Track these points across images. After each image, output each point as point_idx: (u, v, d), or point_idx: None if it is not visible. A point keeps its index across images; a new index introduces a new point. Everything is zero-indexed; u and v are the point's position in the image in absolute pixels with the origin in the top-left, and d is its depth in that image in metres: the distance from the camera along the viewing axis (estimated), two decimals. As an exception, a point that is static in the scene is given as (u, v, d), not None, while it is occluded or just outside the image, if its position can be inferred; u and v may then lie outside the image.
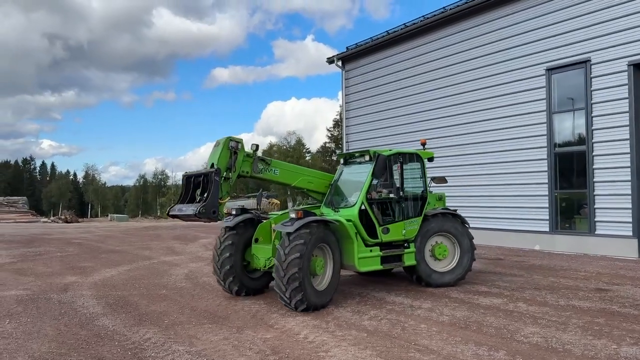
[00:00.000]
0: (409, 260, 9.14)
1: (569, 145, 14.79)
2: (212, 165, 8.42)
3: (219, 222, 8.56)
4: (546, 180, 14.90)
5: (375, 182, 8.88)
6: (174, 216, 8.78)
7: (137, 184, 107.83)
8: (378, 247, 8.78)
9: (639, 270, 11.17)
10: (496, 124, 16.25)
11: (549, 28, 14.88)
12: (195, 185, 8.80)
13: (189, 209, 8.35)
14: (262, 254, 8.69)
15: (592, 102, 13.88)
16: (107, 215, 73.94)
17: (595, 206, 13.79)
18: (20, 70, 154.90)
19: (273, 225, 8.68)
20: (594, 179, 13.83)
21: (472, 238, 9.86)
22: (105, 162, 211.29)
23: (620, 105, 13.31)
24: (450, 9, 17.56)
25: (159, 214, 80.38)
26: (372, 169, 8.85)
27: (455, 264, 9.57)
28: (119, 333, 6.86)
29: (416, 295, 8.85)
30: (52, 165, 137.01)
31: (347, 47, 22.26)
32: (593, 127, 13.87)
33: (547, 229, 14.87)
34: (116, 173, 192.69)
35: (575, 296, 8.64)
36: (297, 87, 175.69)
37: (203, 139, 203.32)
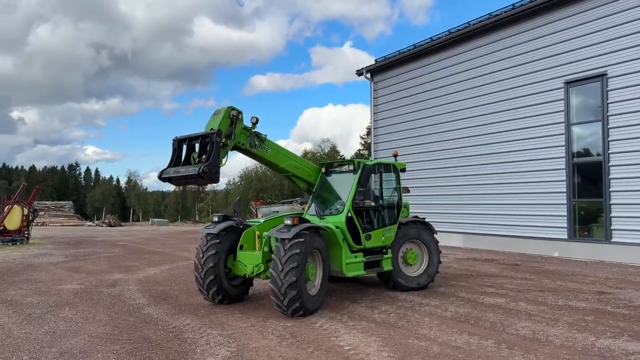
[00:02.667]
0: (387, 265, 9.62)
1: (586, 155, 15.32)
2: (211, 130, 8.31)
3: (217, 183, 8.53)
4: (564, 190, 15.45)
5: (360, 190, 9.27)
6: (167, 179, 8.58)
7: (177, 190, 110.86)
8: (362, 253, 9.18)
9: (648, 276, 11.68)
10: (517, 134, 16.88)
11: (567, 43, 15.48)
12: (190, 149, 8.66)
13: (189, 169, 8.20)
14: (248, 261, 8.70)
15: (609, 114, 14.41)
16: (149, 220, 76.61)
17: (612, 215, 14.29)
18: (68, 79, 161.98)
19: (260, 232, 8.85)
20: (610, 189, 14.33)
21: (438, 241, 10.47)
22: (146, 168, 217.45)
23: (636, 118, 13.81)
24: (474, 24, 18.30)
25: (197, 218, 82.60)
26: (357, 178, 9.22)
27: (424, 269, 10.20)
28: (162, 320, 7.96)
29: (426, 294, 9.69)
30: (96, 171, 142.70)
31: (376, 60, 23.23)
32: (609, 139, 14.39)
33: (565, 237, 15.40)
34: (157, 179, 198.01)
35: (575, 298, 9.32)
36: (334, 94, 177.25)
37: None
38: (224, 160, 8.45)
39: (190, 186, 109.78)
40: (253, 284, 9.52)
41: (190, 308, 8.76)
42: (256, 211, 32.21)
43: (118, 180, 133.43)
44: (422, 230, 10.26)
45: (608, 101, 14.45)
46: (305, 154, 77.47)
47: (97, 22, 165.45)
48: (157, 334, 7.13)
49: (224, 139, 8.38)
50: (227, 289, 8.88)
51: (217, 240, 8.72)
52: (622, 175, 14.09)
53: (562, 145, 15.55)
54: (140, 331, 7.31)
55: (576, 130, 15.45)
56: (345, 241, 8.90)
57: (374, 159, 10.18)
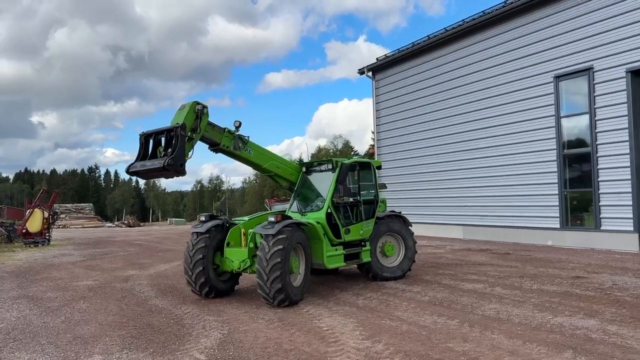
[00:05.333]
0: (366, 257, 10.25)
1: (576, 147, 15.87)
2: (177, 124, 8.52)
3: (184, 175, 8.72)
4: (556, 180, 16.01)
5: (338, 187, 9.88)
6: (134, 173, 8.80)
7: (194, 189, 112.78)
8: (342, 247, 9.79)
9: (629, 262, 12.25)
10: (510, 128, 17.48)
11: (556, 38, 16.01)
12: (156, 143, 8.87)
13: (154, 163, 8.44)
14: (235, 257, 9.20)
15: (595, 106, 14.93)
16: (167, 220, 78.23)
17: (600, 204, 14.84)
18: (86, 82, 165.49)
19: (246, 230, 9.40)
20: (599, 179, 14.87)
21: (413, 233, 11.11)
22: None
23: (620, 110, 14.33)
24: (467, 22, 18.90)
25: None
26: (336, 176, 9.73)
27: (400, 260, 10.87)
28: (166, 309, 8.81)
29: (411, 282, 10.43)
30: (116, 173, 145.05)
31: (377, 59, 23.89)
32: (597, 130, 14.92)
33: (557, 226, 15.98)
34: (176, 179, 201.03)
35: (550, 282, 9.97)
36: (349, 89, 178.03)
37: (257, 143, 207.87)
38: (190, 154, 8.64)
39: (207, 186, 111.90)
40: (238, 281, 10.11)
41: (192, 299, 9.59)
42: (271, 208, 33.09)
43: (137, 182, 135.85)
44: (398, 224, 10.91)
45: (595, 94, 14.96)
46: (320, 150, 78.31)
47: (113, 25, 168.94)
48: (160, 321, 7.97)
49: (189, 133, 8.58)
50: (214, 282, 9.38)
51: (206, 236, 9.25)
52: (610, 166, 14.62)
53: (553, 138, 16.10)
54: (146, 319, 8.16)
55: (566, 122, 15.99)
56: (326, 235, 9.51)
57: (352, 157, 10.84)
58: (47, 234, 23.15)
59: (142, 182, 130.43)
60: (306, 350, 6.23)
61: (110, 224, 60.24)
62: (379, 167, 11.23)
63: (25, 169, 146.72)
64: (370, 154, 14.10)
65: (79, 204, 69.96)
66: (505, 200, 17.66)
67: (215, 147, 9.45)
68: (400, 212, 11.15)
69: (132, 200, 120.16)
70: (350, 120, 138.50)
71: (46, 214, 23.12)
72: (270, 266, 8.22)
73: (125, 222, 59.16)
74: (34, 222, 22.62)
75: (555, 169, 16.04)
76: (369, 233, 10.35)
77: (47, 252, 19.49)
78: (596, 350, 5.87)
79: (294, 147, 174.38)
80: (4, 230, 24.03)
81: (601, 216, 14.82)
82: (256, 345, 6.52)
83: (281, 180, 10.64)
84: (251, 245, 9.15)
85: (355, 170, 10.44)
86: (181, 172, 8.37)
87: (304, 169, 10.78)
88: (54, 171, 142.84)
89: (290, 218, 8.99)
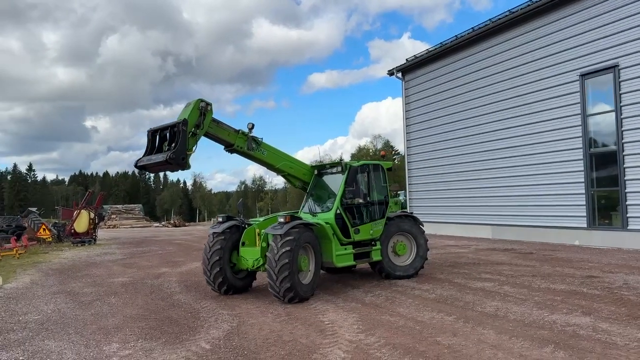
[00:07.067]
0: (376, 256, 10.62)
1: (602, 145, 15.69)
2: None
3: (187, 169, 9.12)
4: (583, 179, 15.87)
5: (347, 189, 10.25)
6: (142, 167, 9.27)
7: (239, 190, 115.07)
8: (351, 246, 10.18)
9: (651, 261, 12.12)
10: (535, 127, 17.43)
11: (581, 36, 15.92)
12: (162, 138, 9.33)
13: (158, 157, 8.92)
14: (249, 256, 9.68)
15: (621, 104, 14.76)
16: (211, 220, 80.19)
17: (627, 203, 14.65)
18: (137, 87, 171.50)
19: (260, 230, 9.79)
20: (625, 177, 14.69)
21: (424, 232, 11.35)
22: (211, 170, 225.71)
23: (647, 107, 14.13)
24: (493, 22, 18.91)
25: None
26: (345, 179, 10.25)
27: (413, 258, 11.13)
28: (187, 304, 9.46)
29: (423, 280, 10.73)
30: (165, 175, 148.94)
31: (406, 59, 24.10)
32: (623, 128, 14.74)
33: (585, 225, 15.84)
34: (222, 180, 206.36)
35: (561, 281, 10.07)
36: (393, 87, 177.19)
37: (300, 144, 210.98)
38: (193, 148, 9.10)
39: (251, 186, 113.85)
40: (256, 278, 10.62)
41: (212, 295, 10.20)
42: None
43: (185, 183, 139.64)
44: (409, 223, 11.21)
45: (620, 92, 14.79)
46: (360, 150, 78.46)
47: (162, 31, 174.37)
48: (179, 314, 8.61)
49: (192, 129, 9.04)
50: (231, 280, 9.89)
51: (222, 237, 9.75)
52: (636, 164, 14.42)
53: (579, 137, 15.97)
54: (166, 312, 8.82)
55: (592, 121, 15.83)
56: (335, 235, 9.95)
57: (361, 160, 11.20)
58: (93, 234, 24.49)
59: (189, 182, 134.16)
60: (303, 341, 6.70)
61: (157, 224, 62.28)
62: (390, 169, 11.54)
63: (80, 171, 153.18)
64: (381, 157, 14.31)
65: (129, 205, 72.67)
66: (533, 200, 17.59)
67: (230, 147, 9.99)
68: (412, 212, 11.44)
69: (179, 200, 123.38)
70: (394, 119, 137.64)
71: (92, 215, 24.46)
72: (279, 267, 8.67)
73: (172, 222, 61.09)
74: (81, 222, 23.99)
75: (582, 168, 15.90)
76: (379, 233, 10.69)
77: (92, 251, 20.69)
78: (577, 345, 6.08)
79: (337, 147, 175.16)
80: (55, 230, 25.53)
81: (628, 215, 14.63)
82: (259, 336, 7.04)
83: (294, 180, 11.07)
84: (264, 245, 9.62)
85: (365, 173, 10.81)
86: (183, 165, 8.81)
87: (315, 172, 11.21)
88: (106, 173, 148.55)
89: (299, 219, 9.43)
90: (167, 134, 9.26)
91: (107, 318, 8.55)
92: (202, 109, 9.21)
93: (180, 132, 8.81)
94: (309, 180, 11.16)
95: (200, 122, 9.18)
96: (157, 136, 9.43)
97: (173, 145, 8.88)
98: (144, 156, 9.40)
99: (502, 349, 6.05)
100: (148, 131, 9.56)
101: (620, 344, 6.10)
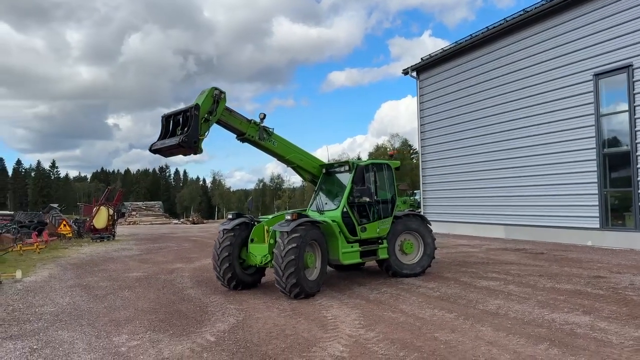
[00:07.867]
0: (383, 254, 10.75)
1: (615, 146, 15.59)
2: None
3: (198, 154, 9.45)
4: (595, 180, 15.80)
5: (354, 188, 10.35)
6: (156, 151, 9.56)
7: (257, 188, 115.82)
8: (358, 244, 10.32)
9: (662, 262, 12.06)
10: (548, 127, 17.37)
11: (595, 36, 15.82)
12: (175, 123, 9.59)
13: (172, 140, 9.23)
14: (258, 252, 9.92)
15: (635, 104, 14.66)
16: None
17: (640, 204, 14.56)
18: (158, 85, 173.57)
19: (268, 227, 10.03)
20: (639, 178, 14.58)
21: (432, 231, 11.44)
22: (230, 168, 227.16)
23: (660, 107, 14.02)
24: (507, 21, 18.86)
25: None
26: (352, 177, 10.40)
27: (420, 257, 11.24)
28: (197, 298, 9.73)
29: (429, 279, 10.84)
30: (185, 172, 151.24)
31: (421, 58, 24.11)
32: (637, 129, 14.65)
33: (597, 226, 15.76)
34: (241, 178, 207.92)
35: (567, 281, 10.11)
36: (412, 85, 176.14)
37: (319, 142, 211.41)
38: (205, 134, 9.41)
39: (269, 184, 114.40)
40: (265, 274, 10.82)
41: (222, 290, 10.46)
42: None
43: (204, 181, 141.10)
44: (416, 222, 11.32)
45: (634, 92, 14.70)
46: (378, 148, 78.40)
47: (183, 30, 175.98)
48: (188, 308, 8.89)
49: (205, 115, 9.33)
50: (240, 276, 10.15)
51: (232, 234, 10.01)
52: (650, 165, 14.32)
53: (593, 137, 15.89)
54: (176, 306, 9.10)
55: (605, 121, 15.74)
56: (342, 233, 10.11)
57: (369, 159, 11.34)
58: (112, 230, 25.02)
59: (208, 180, 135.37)
60: (304, 335, 6.90)
61: (176, 221, 63.03)
62: (397, 169, 11.65)
63: (102, 168, 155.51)
64: (389, 156, 14.45)
65: (149, 202, 73.56)
66: (545, 200, 17.54)
67: (241, 136, 10.27)
68: (419, 212, 11.56)
69: (199, 198, 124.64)
70: (413, 117, 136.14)
71: (111, 211, 24.99)
72: (285, 263, 8.89)
73: (190, 219, 61.79)
74: (100, 218, 24.54)
75: (595, 168, 15.82)
76: (385, 231, 10.82)
77: (110, 247, 21.17)
78: (572, 343, 6.18)
79: (356, 145, 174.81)
80: (75, 226, 26.14)
81: (641, 216, 14.54)
82: (263, 330, 7.26)
83: (304, 173, 11.27)
84: (271, 241, 9.86)
85: (372, 172, 10.97)
86: (195, 149, 9.10)
87: (324, 170, 11.39)
88: (127, 171, 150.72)
89: (306, 217, 9.62)
90: (180, 119, 9.51)
91: (119, 311, 8.85)
92: (216, 96, 9.50)
93: (192, 117, 9.10)
94: (318, 174, 11.34)
95: (214, 110, 9.48)
96: (171, 121, 9.72)
97: (186, 129, 9.16)
98: (158, 140, 9.70)
99: (497, 345, 6.17)
100: (162, 116, 9.89)
101: (615, 342, 6.17)
